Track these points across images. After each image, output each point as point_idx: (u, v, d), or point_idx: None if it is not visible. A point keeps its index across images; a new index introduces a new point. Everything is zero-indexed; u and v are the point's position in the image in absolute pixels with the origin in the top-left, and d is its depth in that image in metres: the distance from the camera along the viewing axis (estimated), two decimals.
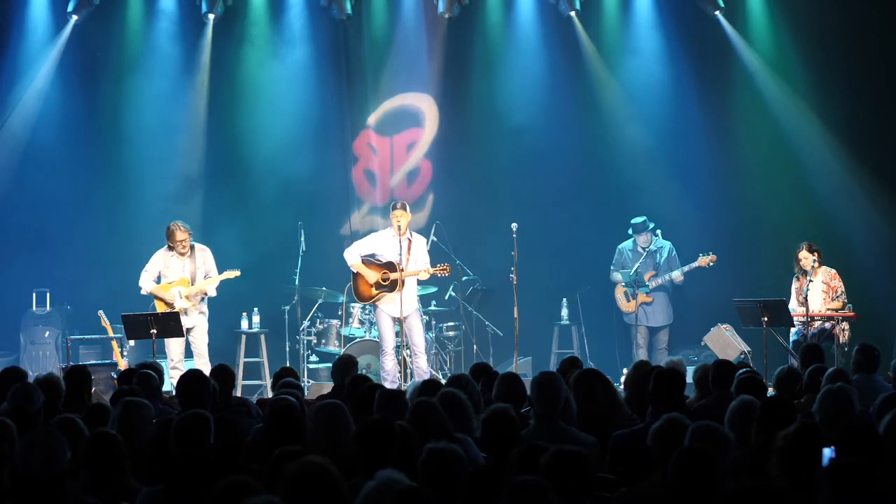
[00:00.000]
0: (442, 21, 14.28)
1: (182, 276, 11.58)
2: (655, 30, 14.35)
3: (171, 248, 11.59)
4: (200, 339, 11.62)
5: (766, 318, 11.15)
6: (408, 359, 11.71)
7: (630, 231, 13.25)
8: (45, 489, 4.72)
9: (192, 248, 11.65)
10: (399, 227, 11.55)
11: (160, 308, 11.47)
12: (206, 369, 9.75)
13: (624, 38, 14.47)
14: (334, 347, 13.03)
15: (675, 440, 4.85)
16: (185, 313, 11.50)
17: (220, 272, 11.67)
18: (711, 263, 12.96)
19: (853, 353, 8.33)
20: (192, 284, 11.57)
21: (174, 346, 11.47)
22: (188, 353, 11.69)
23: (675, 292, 13.40)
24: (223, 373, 7.74)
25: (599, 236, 13.88)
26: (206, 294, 11.68)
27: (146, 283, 11.61)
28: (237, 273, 11.70)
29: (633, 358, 12.67)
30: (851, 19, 13.56)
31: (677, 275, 13.07)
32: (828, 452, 4.84)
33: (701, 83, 14.23)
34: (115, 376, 11.00)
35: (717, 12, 14.11)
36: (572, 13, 14.21)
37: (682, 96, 14.29)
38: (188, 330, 11.53)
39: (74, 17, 13.68)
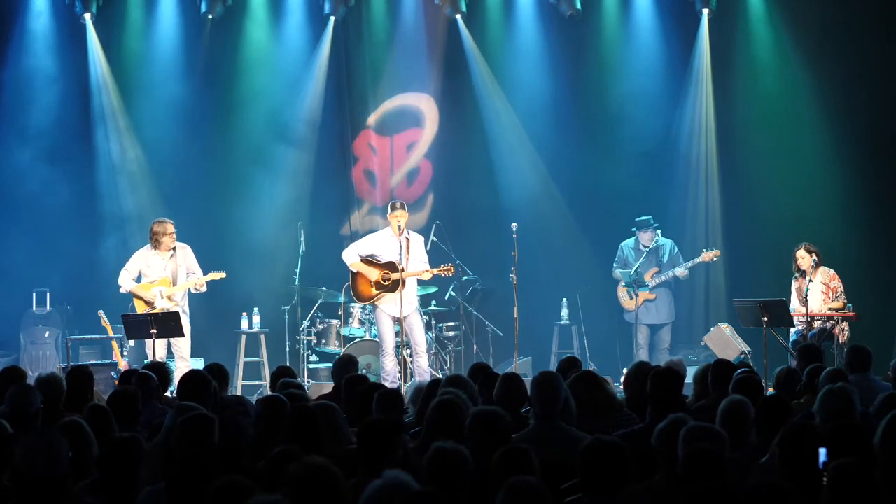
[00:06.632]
0: (445, 21, 14.29)
1: (164, 275, 11.49)
2: (656, 29, 14.36)
3: (154, 247, 11.50)
4: (183, 341, 11.43)
5: (766, 318, 11.15)
6: (408, 359, 11.72)
7: (633, 228, 13.26)
8: (46, 490, 4.73)
9: (173, 247, 11.59)
10: (399, 227, 11.56)
11: (139, 308, 11.40)
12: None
13: (624, 38, 14.48)
14: (334, 347, 13.04)
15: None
16: None
17: (206, 272, 11.58)
18: (715, 258, 12.98)
19: (845, 354, 8.33)
20: (174, 284, 11.51)
21: (183, 344, 11.44)
22: (170, 355, 11.53)
23: (677, 290, 13.41)
24: (219, 371, 7.75)
25: (600, 236, 13.91)
26: (197, 290, 11.60)
27: (125, 282, 11.52)
28: (223, 275, 11.64)
29: (634, 358, 12.69)
30: (851, 19, 13.56)
31: (681, 270, 13.07)
32: (823, 452, 4.86)
33: (701, 83, 14.27)
34: (115, 376, 11.01)
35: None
36: (571, 13, 14.19)
37: (683, 96, 14.31)
38: None
39: (88, 16, 13.72)
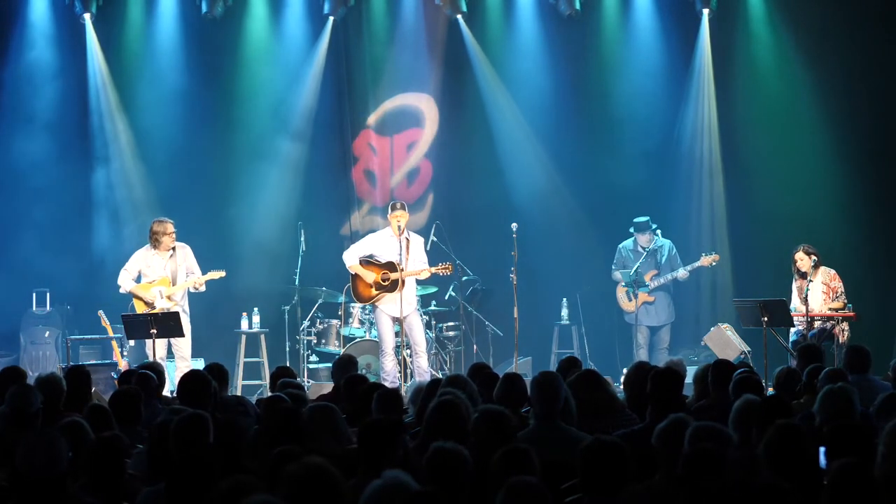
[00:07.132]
0: (445, 21, 14.29)
1: (163, 275, 11.50)
2: (656, 30, 14.36)
3: (154, 246, 11.50)
4: (183, 341, 11.44)
5: (766, 318, 11.15)
6: (408, 359, 11.72)
7: (632, 229, 13.25)
8: (46, 490, 4.73)
9: (173, 246, 11.59)
10: (399, 228, 11.57)
11: (139, 308, 11.40)
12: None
13: (624, 38, 14.47)
14: (334, 347, 13.04)
15: (680, 440, 4.90)
16: None
17: (205, 272, 11.59)
18: (714, 263, 12.97)
19: (844, 354, 8.32)
20: (174, 284, 11.51)
21: (183, 344, 11.44)
22: (170, 355, 11.55)
23: (676, 291, 13.41)
24: (219, 371, 7.75)
25: (599, 236, 13.91)
26: (196, 289, 11.60)
27: (125, 282, 11.53)
28: (222, 273, 11.64)
29: (634, 358, 12.69)
30: (851, 19, 13.56)
31: (682, 273, 13.06)
32: (823, 452, 4.86)
33: (702, 83, 14.28)
34: (115, 376, 11.01)
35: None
36: (570, 14, 14.18)
37: (685, 96, 14.32)
38: None
39: (87, 16, 13.72)
